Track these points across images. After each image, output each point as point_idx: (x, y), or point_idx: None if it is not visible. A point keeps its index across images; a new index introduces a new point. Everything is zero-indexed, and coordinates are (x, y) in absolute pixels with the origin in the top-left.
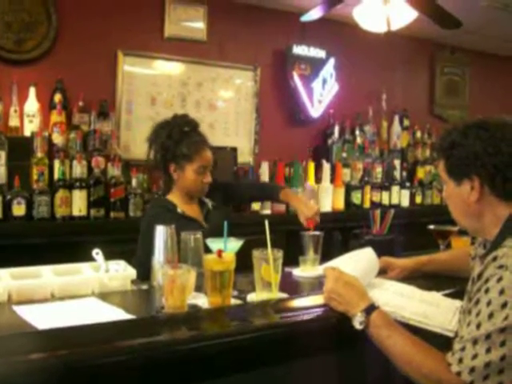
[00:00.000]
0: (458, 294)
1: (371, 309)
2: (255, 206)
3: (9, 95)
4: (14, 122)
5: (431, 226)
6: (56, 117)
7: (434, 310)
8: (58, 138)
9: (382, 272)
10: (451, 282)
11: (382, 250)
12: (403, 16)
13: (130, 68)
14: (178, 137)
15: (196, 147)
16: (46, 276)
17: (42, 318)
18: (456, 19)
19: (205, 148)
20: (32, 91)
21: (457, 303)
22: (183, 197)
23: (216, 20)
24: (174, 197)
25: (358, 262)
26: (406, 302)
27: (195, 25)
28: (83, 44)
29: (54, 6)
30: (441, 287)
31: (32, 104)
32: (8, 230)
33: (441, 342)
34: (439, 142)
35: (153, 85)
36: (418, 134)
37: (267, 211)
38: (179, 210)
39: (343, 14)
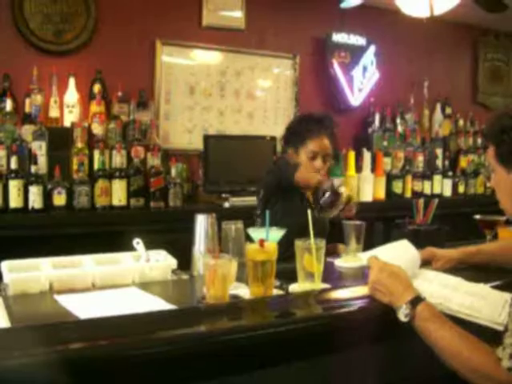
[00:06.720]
0: (506, 286)
1: (417, 301)
2: None
3: (49, 86)
4: (54, 112)
5: (477, 216)
6: (95, 107)
7: (481, 302)
8: (97, 128)
9: (426, 263)
10: (499, 274)
11: (426, 240)
12: (447, 0)
13: (168, 58)
14: None
15: None
16: (87, 265)
17: (84, 307)
18: (501, 2)
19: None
20: (71, 82)
21: (506, 296)
22: None
23: (254, 8)
24: None
25: (399, 252)
26: (452, 293)
27: (233, 13)
28: (121, 34)
29: None
30: (488, 279)
31: (72, 95)
32: (48, 220)
33: (488, 336)
34: (488, 127)
35: (191, 74)
36: (461, 122)
37: None
38: None
39: None
